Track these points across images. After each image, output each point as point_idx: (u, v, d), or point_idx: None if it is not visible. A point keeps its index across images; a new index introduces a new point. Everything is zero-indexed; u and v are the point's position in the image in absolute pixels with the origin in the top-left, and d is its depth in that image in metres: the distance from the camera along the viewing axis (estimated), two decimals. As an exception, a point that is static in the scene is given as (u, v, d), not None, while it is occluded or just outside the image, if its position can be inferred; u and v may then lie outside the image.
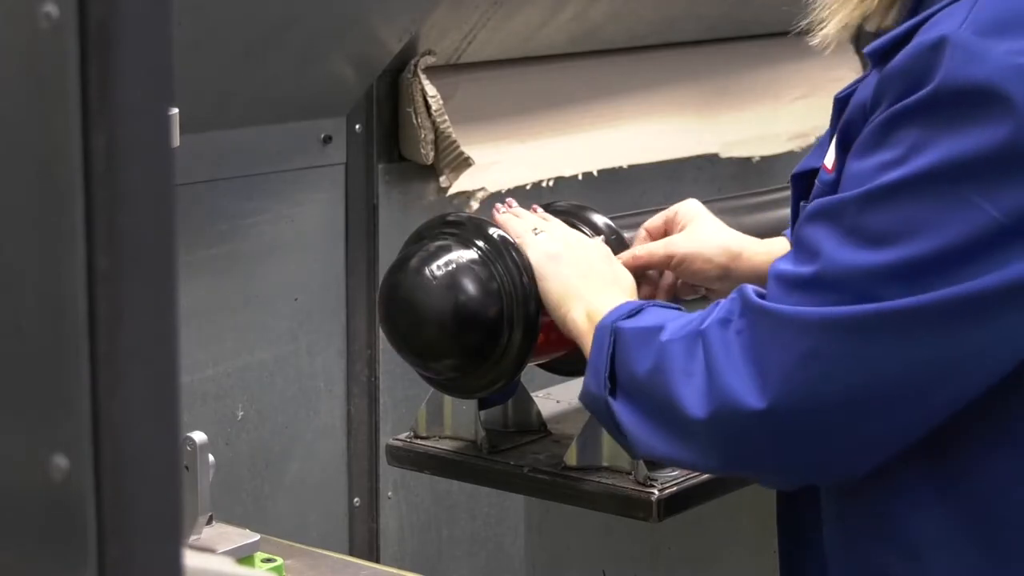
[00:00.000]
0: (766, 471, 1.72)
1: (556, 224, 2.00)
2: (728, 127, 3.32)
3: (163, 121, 0.86)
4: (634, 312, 1.80)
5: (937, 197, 1.57)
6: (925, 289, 1.57)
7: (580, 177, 3.01)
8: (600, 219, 2.09)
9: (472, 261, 1.93)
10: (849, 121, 1.69)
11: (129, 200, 0.85)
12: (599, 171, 3.03)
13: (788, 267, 1.66)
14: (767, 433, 1.63)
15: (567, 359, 2.06)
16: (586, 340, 1.83)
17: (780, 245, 2.07)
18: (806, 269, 1.63)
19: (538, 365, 2.10)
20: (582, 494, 2.00)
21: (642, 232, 2.11)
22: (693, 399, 1.67)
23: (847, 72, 3.22)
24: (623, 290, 1.92)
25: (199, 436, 1.74)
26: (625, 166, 3.09)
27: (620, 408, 1.76)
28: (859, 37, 1.85)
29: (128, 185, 0.84)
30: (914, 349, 1.60)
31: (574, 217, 2.08)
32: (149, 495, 0.87)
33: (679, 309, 1.84)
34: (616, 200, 3.13)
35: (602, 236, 2.05)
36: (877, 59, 1.67)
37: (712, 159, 3.29)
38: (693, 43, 3.28)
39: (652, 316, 1.79)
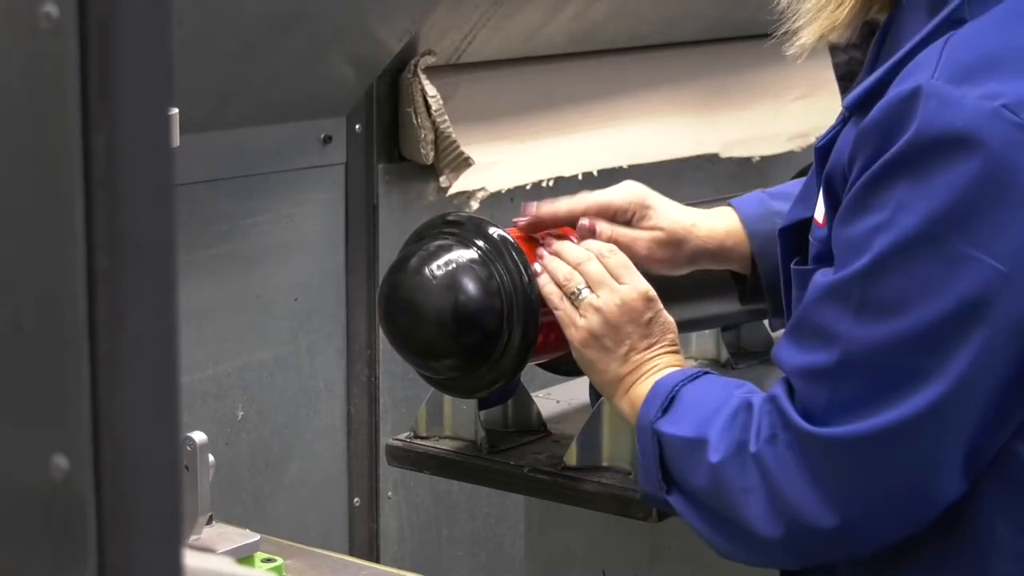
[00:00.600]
0: (841, 567, 1.76)
1: (600, 277, 1.92)
2: (728, 127, 3.32)
3: (163, 121, 0.86)
4: (666, 406, 1.80)
5: (935, 256, 1.58)
6: (950, 355, 1.58)
7: (580, 177, 3.01)
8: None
9: (472, 261, 1.93)
10: (831, 173, 1.68)
11: (129, 200, 0.85)
12: (599, 171, 3.03)
13: (804, 359, 1.66)
14: (843, 544, 1.69)
15: (567, 359, 2.06)
16: (632, 424, 1.85)
17: (727, 220, 2.02)
18: (826, 357, 1.64)
19: (538, 365, 2.10)
20: (582, 494, 2.00)
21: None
22: (761, 518, 1.70)
23: (847, 72, 3.22)
24: (661, 346, 1.88)
25: (199, 436, 1.74)
26: (625, 166, 3.08)
27: (683, 507, 1.80)
28: (833, 48, 1.83)
29: (128, 185, 0.84)
30: (955, 427, 1.62)
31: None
32: (149, 495, 0.87)
33: (704, 380, 1.81)
34: (616, 200, 3.14)
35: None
36: (855, 110, 1.67)
37: (712, 159, 3.30)
38: (693, 43, 3.28)
39: (689, 417, 1.78)
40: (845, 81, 1.88)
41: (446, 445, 2.12)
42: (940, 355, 1.59)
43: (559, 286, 1.93)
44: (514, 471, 2.05)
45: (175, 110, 0.97)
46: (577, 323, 1.91)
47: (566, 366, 2.10)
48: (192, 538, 1.76)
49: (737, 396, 1.75)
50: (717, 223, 2.05)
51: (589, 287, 1.92)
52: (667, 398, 1.81)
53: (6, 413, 0.89)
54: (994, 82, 1.56)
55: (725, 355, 2.39)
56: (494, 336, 1.92)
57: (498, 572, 3.04)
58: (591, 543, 2.30)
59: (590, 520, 2.22)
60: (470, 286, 1.92)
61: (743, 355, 2.37)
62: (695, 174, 3.30)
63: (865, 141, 1.61)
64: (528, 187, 2.94)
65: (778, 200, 2.06)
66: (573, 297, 1.92)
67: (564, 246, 1.98)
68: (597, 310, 1.91)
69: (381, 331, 2.77)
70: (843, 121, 1.72)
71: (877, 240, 1.60)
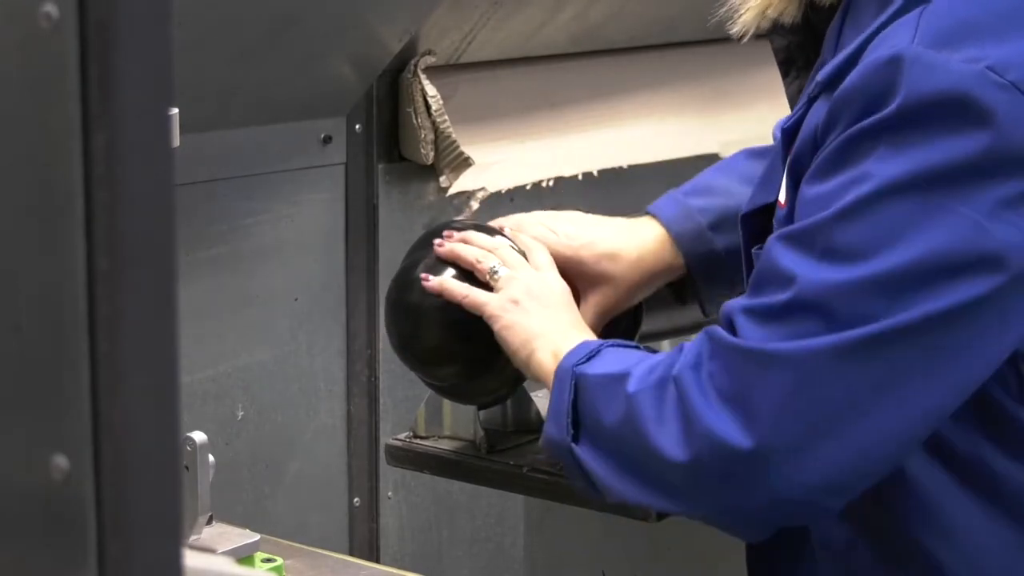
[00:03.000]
0: (753, 512, 1.66)
1: (517, 261, 1.91)
2: (728, 127, 3.31)
3: (163, 121, 0.86)
4: (593, 354, 1.75)
5: (914, 205, 1.55)
6: (909, 304, 1.55)
7: (580, 177, 3.01)
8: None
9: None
10: (800, 153, 1.66)
11: (129, 200, 0.85)
12: (599, 171, 3.03)
13: (755, 301, 1.61)
14: (756, 471, 1.60)
15: None
16: (550, 382, 1.78)
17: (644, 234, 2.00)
18: (779, 297, 1.59)
19: None
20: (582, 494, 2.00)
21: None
22: (671, 445, 1.63)
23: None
24: (588, 332, 1.86)
25: (199, 436, 1.74)
26: (625, 166, 3.08)
27: (585, 454, 1.73)
28: (774, 31, 1.83)
29: (128, 185, 0.84)
30: (905, 363, 1.57)
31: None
32: (149, 495, 0.87)
33: (639, 349, 1.79)
34: (616, 200, 3.13)
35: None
36: (825, 87, 1.65)
37: (712, 159, 3.29)
38: (693, 43, 3.28)
39: (614, 360, 1.73)
40: (786, 66, 1.86)
41: (445, 445, 2.12)
42: (897, 304, 1.55)
43: (471, 269, 1.89)
44: (514, 471, 2.05)
45: (175, 110, 0.97)
46: (492, 298, 1.86)
47: None
48: (192, 538, 1.76)
49: (669, 352, 1.71)
50: (635, 243, 2.02)
51: (505, 267, 1.89)
52: (595, 350, 1.76)
53: (6, 413, 0.89)
54: (975, 47, 1.55)
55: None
56: (497, 344, 1.92)
57: (498, 572, 3.04)
58: (591, 543, 2.30)
59: (590, 520, 2.22)
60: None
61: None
62: (695, 174, 3.29)
63: (844, 107, 1.59)
64: (528, 187, 2.94)
65: (693, 197, 2.05)
66: (490, 276, 1.89)
67: (472, 235, 1.95)
68: (516, 280, 1.87)
69: (381, 331, 2.78)
70: (808, 101, 1.69)
71: (851, 191, 1.57)
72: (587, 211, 3.07)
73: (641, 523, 2.00)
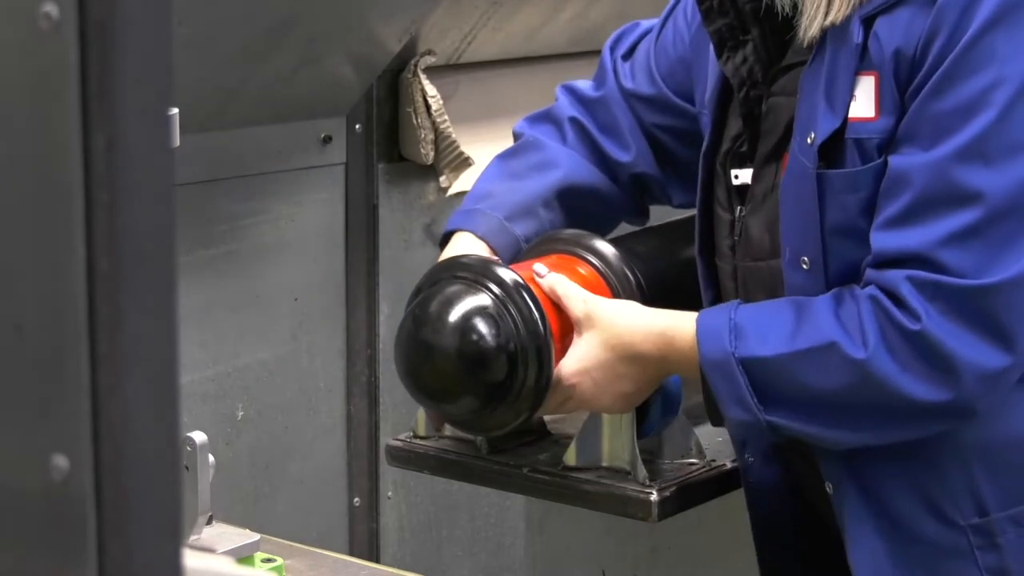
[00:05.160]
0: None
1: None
2: (728, 127, 3.31)
3: (163, 121, 0.86)
4: (734, 333, 1.83)
5: None
6: None
7: (580, 177, 3.01)
8: (606, 248, 2.10)
9: (485, 306, 1.93)
10: (898, 61, 1.74)
11: (129, 200, 0.85)
12: (599, 171, 3.03)
13: (943, 227, 1.72)
14: (1011, 376, 1.78)
15: None
16: (690, 372, 1.88)
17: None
18: (971, 215, 1.72)
19: None
20: (582, 494, 2.00)
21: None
22: (928, 388, 1.75)
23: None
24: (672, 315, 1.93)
25: (199, 436, 1.74)
26: (625, 166, 3.08)
27: (789, 420, 1.82)
28: (705, 18, 1.94)
29: (128, 185, 0.84)
30: None
31: (577, 246, 2.09)
32: (149, 495, 0.87)
33: (750, 305, 1.86)
34: (616, 200, 3.13)
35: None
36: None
37: (712, 159, 3.29)
38: (693, 43, 3.28)
39: (775, 333, 1.81)
40: (719, 48, 1.93)
41: (446, 445, 2.12)
42: None
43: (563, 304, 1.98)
44: (514, 471, 2.05)
45: (175, 110, 0.97)
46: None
47: None
48: (192, 538, 1.76)
49: (813, 300, 1.80)
50: None
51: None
52: (729, 328, 1.84)
53: (6, 413, 0.89)
54: None
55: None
56: (509, 379, 1.92)
57: (498, 572, 3.04)
58: (591, 543, 2.30)
59: (590, 520, 2.22)
60: (484, 331, 1.92)
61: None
62: (695, 174, 3.30)
63: (943, 17, 1.71)
64: (528, 187, 2.94)
65: (480, 202, 2.16)
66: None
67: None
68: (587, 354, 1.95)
69: (381, 331, 2.78)
70: (868, 18, 1.76)
71: (995, 95, 1.70)
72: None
73: (641, 523, 2.00)
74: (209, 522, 1.78)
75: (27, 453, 0.88)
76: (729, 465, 2.05)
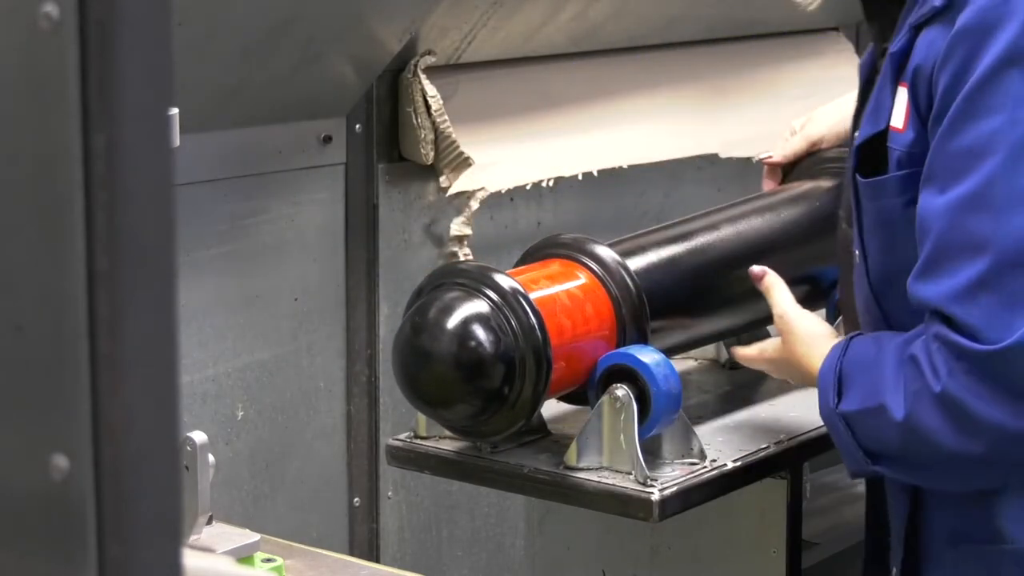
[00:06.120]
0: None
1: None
2: (728, 127, 3.31)
3: (163, 121, 0.86)
4: (839, 388, 1.88)
5: None
6: None
7: (580, 177, 3.01)
8: (606, 253, 2.10)
9: (481, 313, 1.94)
10: (916, 75, 1.75)
11: (129, 200, 0.85)
12: (599, 171, 3.03)
13: (954, 281, 1.71)
14: None
15: (579, 392, 2.08)
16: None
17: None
18: (979, 266, 1.70)
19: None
20: (582, 494, 2.00)
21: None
22: (963, 444, 1.76)
23: (847, 71, 3.22)
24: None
25: (199, 436, 1.74)
26: (625, 166, 3.08)
27: (892, 471, 1.88)
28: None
29: (128, 185, 0.84)
30: None
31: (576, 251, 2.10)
32: (149, 495, 0.87)
33: (858, 343, 1.90)
34: (616, 200, 3.13)
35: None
36: (940, 11, 1.73)
37: (712, 159, 3.29)
38: (693, 43, 3.28)
39: (858, 387, 1.86)
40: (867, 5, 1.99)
41: (446, 445, 2.12)
42: None
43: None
44: (514, 471, 2.05)
45: (175, 110, 0.97)
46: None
47: (574, 399, 2.13)
48: (192, 538, 1.76)
49: (890, 350, 1.82)
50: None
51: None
52: (835, 381, 1.89)
53: (6, 413, 0.89)
54: None
55: (725, 356, 2.39)
56: (506, 386, 1.93)
57: (498, 572, 3.04)
58: (591, 543, 2.30)
59: (590, 520, 2.22)
60: (482, 338, 1.93)
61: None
62: (695, 174, 3.30)
63: (958, 43, 1.70)
64: (528, 187, 2.94)
65: None
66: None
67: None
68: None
69: (381, 331, 2.78)
70: (915, 27, 1.77)
71: (1003, 139, 1.67)
72: (587, 211, 3.08)
73: (641, 523, 2.00)
74: (209, 522, 1.78)
75: (27, 453, 0.88)
76: (729, 465, 2.05)
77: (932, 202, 1.73)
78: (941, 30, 1.72)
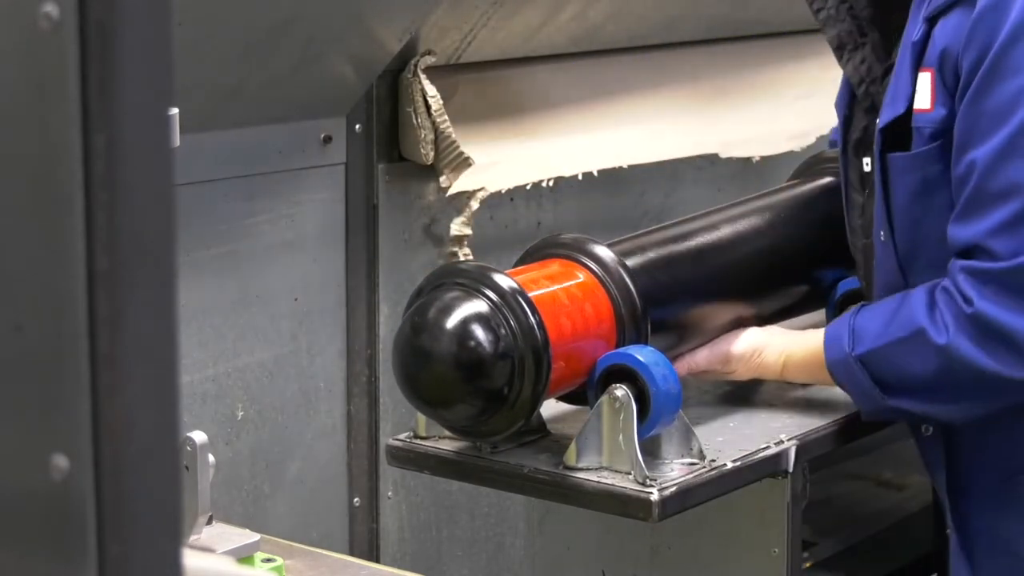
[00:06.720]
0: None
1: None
2: (728, 127, 3.31)
3: (163, 121, 0.86)
4: (852, 337, 2.08)
5: None
6: None
7: (580, 177, 3.01)
8: (605, 253, 2.11)
9: (481, 313, 1.94)
10: (943, 58, 1.96)
11: (129, 200, 0.85)
12: (599, 171, 3.03)
13: (992, 220, 1.93)
14: None
15: (580, 392, 2.08)
16: (819, 377, 2.14)
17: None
18: (1016, 205, 1.91)
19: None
20: (582, 494, 2.00)
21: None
22: (1007, 362, 1.95)
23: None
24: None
25: (199, 436, 1.74)
26: (625, 166, 3.08)
27: (908, 403, 2.06)
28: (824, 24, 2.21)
29: (128, 185, 0.84)
30: None
31: (575, 250, 2.11)
32: (149, 495, 0.87)
33: (871, 305, 2.09)
34: (616, 200, 3.13)
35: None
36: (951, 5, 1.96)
37: (712, 159, 3.29)
38: (693, 43, 3.28)
39: (875, 328, 2.06)
40: (839, 51, 2.21)
41: (446, 445, 2.12)
42: None
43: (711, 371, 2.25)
44: (514, 471, 2.05)
45: (175, 110, 0.97)
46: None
47: (574, 399, 2.13)
48: (192, 538, 1.76)
49: (916, 293, 2.03)
50: None
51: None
52: (848, 332, 2.09)
53: (6, 413, 0.89)
54: None
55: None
56: (506, 386, 1.93)
57: (498, 572, 3.04)
58: (591, 543, 2.30)
59: (590, 520, 2.22)
60: (481, 338, 1.93)
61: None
62: (695, 174, 3.30)
63: (979, 22, 1.92)
64: (528, 187, 2.94)
65: None
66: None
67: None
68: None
69: (381, 331, 2.78)
70: (931, 18, 1.99)
71: None
72: (587, 211, 3.08)
73: (641, 523, 2.00)
74: (209, 522, 1.78)
75: (27, 453, 0.88)
76: (729, 465, 2.05)
77: (969, 158, 1.94)
78: (962, 15, 1.94)
